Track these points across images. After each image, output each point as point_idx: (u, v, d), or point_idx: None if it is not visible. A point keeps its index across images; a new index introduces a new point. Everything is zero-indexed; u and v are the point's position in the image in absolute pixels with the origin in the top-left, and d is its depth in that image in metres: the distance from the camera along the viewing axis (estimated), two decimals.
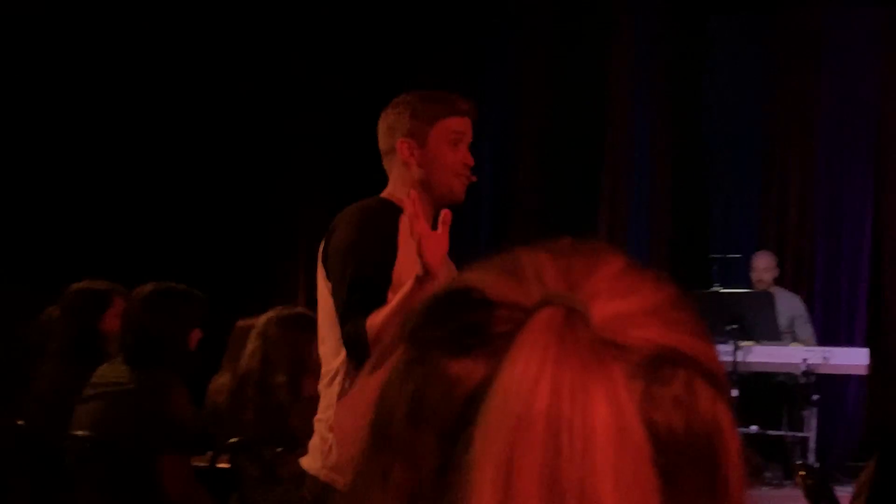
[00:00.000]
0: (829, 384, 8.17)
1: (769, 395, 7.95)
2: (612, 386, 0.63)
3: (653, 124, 9.30)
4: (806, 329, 8.24)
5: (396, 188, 3.28)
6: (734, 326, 7.63)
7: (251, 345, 4.41)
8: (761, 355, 7.78)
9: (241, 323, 5.02)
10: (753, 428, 7.61)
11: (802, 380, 7.65)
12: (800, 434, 7.71)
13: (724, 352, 7.61)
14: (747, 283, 8.45)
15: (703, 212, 9.63)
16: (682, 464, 0.66)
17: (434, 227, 3.18)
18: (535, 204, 9.13)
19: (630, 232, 9.09)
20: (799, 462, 6.79)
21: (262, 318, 4.49)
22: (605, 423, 0.61)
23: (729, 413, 0.70)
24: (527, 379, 0.62)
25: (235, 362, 4.56)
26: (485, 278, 0.71)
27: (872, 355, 7.82)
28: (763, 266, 8.44)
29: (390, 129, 3.29)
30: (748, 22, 9.58)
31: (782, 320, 8.05)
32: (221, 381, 4.75)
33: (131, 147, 8.20)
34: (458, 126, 3.26)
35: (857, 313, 8.97)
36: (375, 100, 9.07)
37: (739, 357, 7.59)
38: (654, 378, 0.66)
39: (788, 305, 8.24)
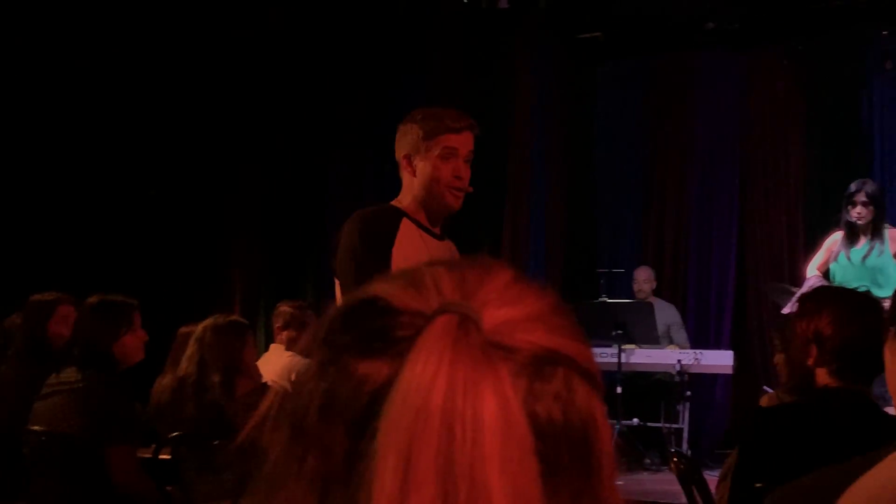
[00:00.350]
0: (700, 382, 8.23)
1: (649, 391, 7.99)
2: (500, 383, 0.63)
3: (549, 157, 9.31)
4: (681, 334, 8.32)
5: (403, 196, 3.30)
6: (619, 332, 7.69)
7: (190, 349, 4.39)
8: (642, 357, 7.84)
9: (182, 329, 4.97)
10: (635, 420, 7.69)
11: (677, 378, 7.72)
12: (675, 425, 7.77)
13: (610, 354, 7.68)
14: (630, 294, 8.53)
15: (592, 232, 9.71)
16: (560, 449, 0.67)
17: (437, 235, 3.27)
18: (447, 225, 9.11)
19: (529, 250, 9.10)
20: (673, 450, 6.85)
21: (201, 325, 4.46)
22: (493, 416, 0.62)
23: (602, 406, 0.71)
24: (425, 378, 0.62)
25: (176, 364, 4.53)
26: (390, 289, 0.71)
27: (736, 357, 7.92)
28: (643, 279, 8.53)
29: (398, 143, 3.31)
30: (632, 67, 9.66)
31: (660, 326, 8.12)
32: (164, 381, 4.70)
33: (89, 167, 7.98)
34: (453, 142, 3.22)
35: (723, 320, 9.03)
36: (300, 127, 8.97)
37: (623, 359, 7.65)
38: (538, 376, 0.67)
39: (665, 313, 8.32)
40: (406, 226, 3.20)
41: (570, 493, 0.67)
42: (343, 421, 0.67)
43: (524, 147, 9.15)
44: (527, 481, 0.62)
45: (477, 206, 9.16)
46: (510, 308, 0.70)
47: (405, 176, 3.31)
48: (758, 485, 2.80)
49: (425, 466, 0.61)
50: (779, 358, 4.04)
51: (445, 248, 3.31)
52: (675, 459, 3.82)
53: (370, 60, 8.89)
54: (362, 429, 0.65)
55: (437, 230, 3.32)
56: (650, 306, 8.05)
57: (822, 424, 2.86)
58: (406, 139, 3.28)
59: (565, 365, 0.69)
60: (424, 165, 3.23)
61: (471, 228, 9.34)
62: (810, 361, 2.92)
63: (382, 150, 9.37)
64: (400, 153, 3.30)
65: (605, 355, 7.72)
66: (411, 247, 3.14)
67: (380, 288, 0.71)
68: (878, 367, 2.84)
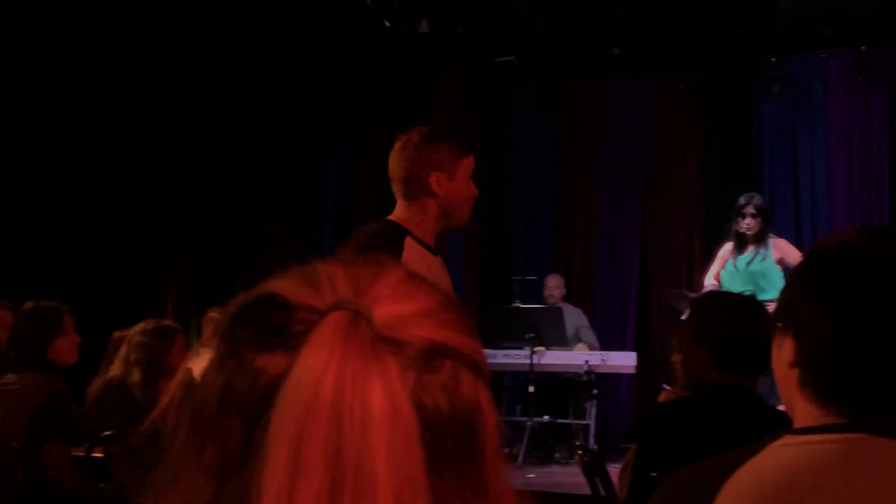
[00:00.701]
0: (606, 381, 8.28)
1: (558, 390, 8.02)
2: (387, 376, 0.63)
3: None
4: (589, 336, 8.38)
5: (412, 213, 3.09)
6: (531, 335, 7.72)
7: (121, 351, 4.35)
8: (552, 358, 7.87)
9: (116, 334, 4.90)
10: (546, 417, 7.71)
11: (585, 378, 7.76)
12: (583, 422, 7.79)
13: (524, 355, 7.73)
14: (541, 299, 8.57)
15: (506, 243, 9.76)
16: (446, 436, 0.67)
17: (433, 251, 3.14)
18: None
19: (448, 260, 9.12)
20: (578, 444, 6.89)
21: (133, 329, 4.41)
22: (381, 406, 0.62)
23: (488, 395, 0.71)
24: (316, 371, 0.62)
25: (109, 366, 4.47)
26: (287, 286, 0.70)
27: (639, 358, 8.00)
28: (553, 286, 8.58)
29: (424, 161, 3.06)
30: (544, 90, 9.72)
31: (569, 330, 8.15)
32: (98, 382, 4.62)
33: (35, 179, 7.81)
34: (473, 163, 3.15)
35: (627, 324, 9.10)
36: (234, 148, 8.87)
37: (535, 360, 7.67)
38: (426, 368, 0.67)
39: (574, 317, 8.37)
40: (409, 243, 3.08)
41: (455, 476, 0.67)
42: (240, 412, 0.66)
43: None
44: (412, 467, 0.62)
45: None
46: (401, 304, 0.69)
47: (418, 194, 3.10)
48: (653, 474, 2.84)
49: (314, 454, 0.60)
50: (676, 357, 4.07)
51: (440, 263, 3.22)
52: (580, 453, 3.85)
53: (300, 83, 8.85)
54: (257, 419, 0.64)
55: (432, 246, 3.20)
56: (560, 311, 8.10)
57: (710, 417, 2.87)
58: (433, 158, 3.08)
59: (453, 357, 0.69)
60: (455, 185, 3.09)
61: None
62: (701, 359, 2.98)
63: (311, 170, 9.39)
64: (425, 171, 3.06)
65: (518, 357, 7.77)
66: (415, 264, 2.95)
67: (278, 285, 0.71)
68: (762, 364, 2.92)
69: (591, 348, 8.12)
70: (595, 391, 7.74)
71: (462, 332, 0.71)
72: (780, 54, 8.57)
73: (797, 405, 1.32)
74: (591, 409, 7.74)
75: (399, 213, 3.13)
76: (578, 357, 7.83)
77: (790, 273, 1.38)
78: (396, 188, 3.12)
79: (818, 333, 1.27)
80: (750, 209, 6.88)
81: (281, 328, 0.67)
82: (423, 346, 0.68)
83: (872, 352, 1.23)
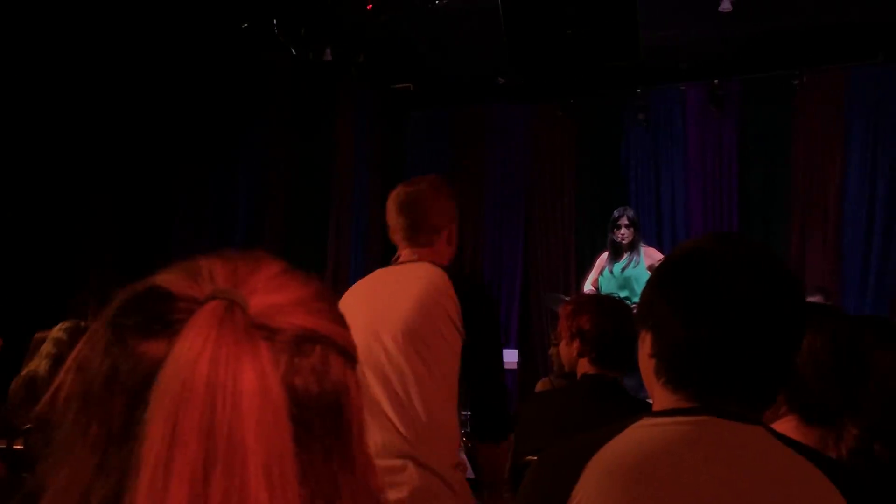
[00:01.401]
0: None
1: None
2: (259, 358, 0.64)
3: (368, 193, 9.24)
4: None
5: (436, 259, 2.72)
6: None
7: (45, 348, 4.21)
8: None
9: (38, 335, 4.73)
10: None
11: None
12: (468, 413, 7.71)
13: None
14: None
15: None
16: (315, 414, 0.67)
17: None
18: (280, 244, 9.02)
19: (349, 274, 9.04)
20: (464, 432, 6.84)
21: (55, 328, 4.27)
22: (252, 386, 0.62)
23: (355, 378, 0.72)
24: (192, 353, 0.62)
25: (29, 363, 4.32)
26: (169, 277, 0.70)
27: (521, 354, 8.01)
28: None
29: (446, 213, 2.76)
30: (437, 115, 9.70)
31: None
32: (18, 379, 4.46)
33: None
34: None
35: (511, 325, 9.09)
36: (149, 165, 8.62)
37: None
38: (297, 352, 0.67)
39: None
40: None
41: (323, 450, 0.67)
42: (124, 392, 0.66)
43: (345, 182, 9.07)
44: (280, 440, 0.63)
45: (306, 232, 9.19)
46: (276, 294, 0.69)
47: (436, 242, 2.79)
48: (528, 458, 2.87)
49: (189, 429, 0.60)
50: (553, 350, 4.11)
51: None
52: (464, 439, 3.85)
53: (212, 107, 8.69)
54: (139, 399, 0.64)
55: None
56: None
57: (579, 404, 2.93)
58: (454, 211, 2.84)
59: (323, 343, 0.69)
60: (456, 236, 2.88)
61: (300, 254, 9.26)
62: (575, 352, 3.03)
63: (222, 187, 9.21)
64: (445, 222, 2.80)
65: None
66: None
67: (161, 277, 0.70)
68: (630, 358, 2.96)
69: None
70: None
71: (333, 320, 0.72)
72: (645, 86, 8.70)
73: (655, 392, 1.36)
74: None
75: (438, 258, 2.74)
76: None
77: (649, 277, 1.41)
78: (406, 236, 2.73)
79: (670, 328, 1.31)
80: (624, 220, 6.98)
81: (162, 316, 0.67)
82: (295, 333, 0.68)
83: (715, 343, 1.27)
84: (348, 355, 0.72)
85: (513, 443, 3.28)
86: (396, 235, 2.79)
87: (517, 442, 3.19)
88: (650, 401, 1.43)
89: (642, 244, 7.07)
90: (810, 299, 5.12)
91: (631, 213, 7.10)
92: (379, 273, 2.76)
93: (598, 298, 3.19)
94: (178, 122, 8.63)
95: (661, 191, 8.85)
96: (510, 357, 7.86)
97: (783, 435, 1.31)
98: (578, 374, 3.08)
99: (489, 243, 9.40)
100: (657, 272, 1.38)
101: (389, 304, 2.58)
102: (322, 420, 0.67)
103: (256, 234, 9.12)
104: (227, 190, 8.96)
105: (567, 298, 7.24)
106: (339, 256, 9.01)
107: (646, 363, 1.37)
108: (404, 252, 2.76)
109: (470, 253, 9.34)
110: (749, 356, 1.28)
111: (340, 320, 0.73)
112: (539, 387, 4.33)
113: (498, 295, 9.17)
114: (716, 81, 8.41)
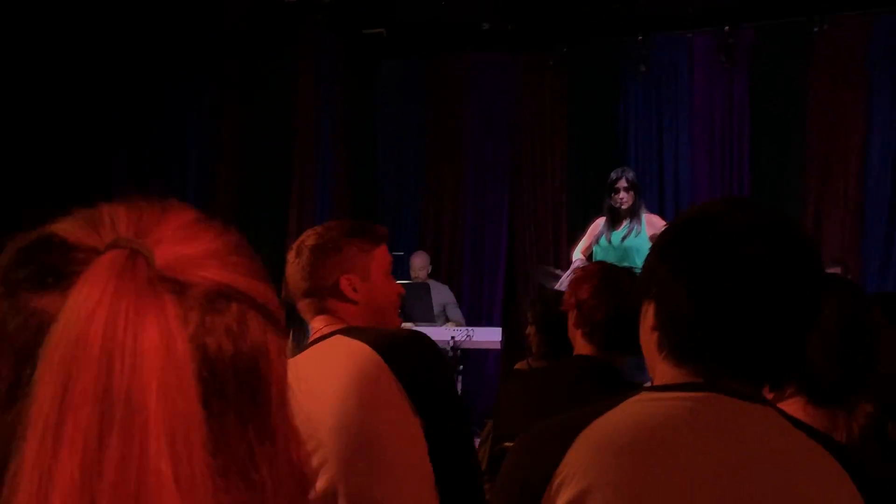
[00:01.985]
0: (473, 356, 8.22)
1: None
2: (163, 315, 0.64)
3: (333, 148, 9.18)
4: (455, 312, 8.29)
5: (352, 321, 2.46)
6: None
7: None
8: None
9: None
10: None
11: (451, 353, 7.66)
12: None
13: None
14: (408, 276, 8.45)
15: (373, 219, 9.57)
16: (229, 379, 0.67)
17: None
18: (234, 207, 8.92)
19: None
20: None
21: None
22: (154, 344, 0.63)
23: (278, 340, 0.72)
24: (86, 308, 0.62)
25: None
26: (67, 226, 0.70)
27: (506, 333, 7.96)
28: (419, 266, 8.42)
29: (331, 265, 2.48)
30: (412, 64, 9.59)
31: (436, 306, 8.05)
32: None
33: None
34: (388, 255, 2.57)
35: (495, 300, 9.11)
36: (83, 120, 8.44)
37: None
38: (210, 309, 0.68)
39: (440, 294, 8.26)
40: None
41: (236, 418, 0.68)
42: (13, 351, 0.66)
43: (308, 139, 8.98)
44: (186, 404, 0.63)
45: (263, 195, 9.05)
46: (185, 245, 0.70)
47: (332, 303, 2.52)
48: (507, 444, 2.76)
49: (82, 390, 0.61)
50: (530, 330, 4.09)
51: None
52: None
53: (153, 53, 8.49)
54: (27, 359, 0.64)
55: None
56: (427, 287, 7.99)
57: (566, 386, 2.84)
58: (342, 259, 2.52)
59: (239, 300, 0.70)
60: (370, 286, 2.53)
61: (256, 220, 9.17)
62: (571, 325, 2.96)
63: (167, 144, 9.05)
64: (334, 277, 2.52)
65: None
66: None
67: (58, 226, 0.71)
68: (630, 337, 2.84)
69: (457, 326, 8.03)
70: (461, 367, 7.65)
71: (251, 275, 0.72)
72: (647, 34, 8.62)
73: (656, 367, 1.39)
74: (458, 385, 7.63)
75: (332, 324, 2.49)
76: (445, 333, 7.71)
77: (653, 243, 1.43)
78: (305, 305, 2.51)
79: (674, 297, 1.34)
80: (623, 183, 6.84)
81: (56, 268, 0.67)
82: (207, 288, 0.68)
83: (721, 313, 1.30)
84: (269, 315, 0.72)
85: (489, 430, 3.18)
86: (299, 300, 2.53)
87: (495, 427, 3.20)
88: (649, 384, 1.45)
89: (644, 211, 6.93)
90: (829, 271, 5.06)
91: (631, 174, 6.96)
92: (298, 368, 2.38)
93: (607, 268, 3.07)
94: (115, 67, 8.42)
95: (664, 152, 8.81)
96: (492, 336, 7.77)
97: (793, 417, 1.34)
98: (571, 355, 3.03)
99: (469, 211, 9.35)
100: (661, 237, 1.41)
101: (313, 416, 2.20)
102: (237, 385, 0.68)
103: (207, 197, 9.00)
104: (173, 147, 8.85)
105: (559, 272, 7.15)
106: (301, 222, 8.91)
107: (647, 337, 1.40)
108: (314, 325, 2.49)
109: (448, 221, 9.29)
110: (758, 329, 1.30)
111: (261, 276, 0.74)
112: (519, 367, 4.24)
113: (480, 269, 9.15)
114: (726, 29, 8.31)
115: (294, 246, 2.52)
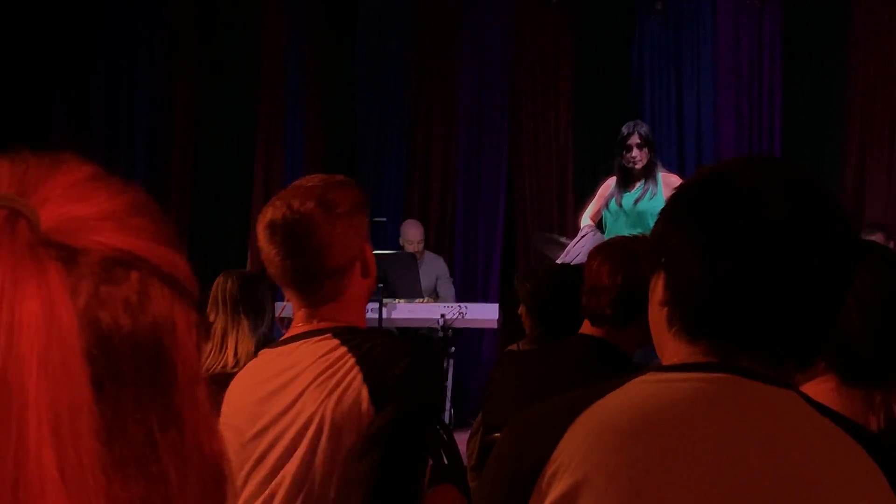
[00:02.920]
0: (466, 337, 8.23)
1: None
2: (46, 283, 0.63)
3: (305, 99, 9.16)
4: (446, 289, 8.29)
5: (349, 311, 2.30)
6: (380, 286, 7.56)
7: None
8: (404, 312, 7.71)
9: None
10: None
11: (440, 334, 7.67)
12: None
13: (371, 308, 7.53)
14: (394, 245, 8.44)
15: (350, 174, 9.51)
16: (126, 357, 0.67)
17: None
18: (189, 173, 8.92)
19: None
20: None
21: None
22: (35, 317, 0.62)
23: (187, 313, 0.72)
24: None
25: None
26: None
27: (504, 310, 7.95)
28: (414, 237, 8.34)
29: (351, 240, 2.26)
30: (395, 3, 9.53)
31: (428, 280, 8.03)
32: None
33: None
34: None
35: (491, 273, 9.11)
36: (22, 57, 8.38)
37: (385, 314, 7.47)
38: (105, 279, 0.67)
39: (433, 266, 8.24)
40: None
41: (134, 401, 0.67)
42: None
43: (275, 81, 8.96)
44: (72, 388, 0.63)
45: (223, 148, 9.04)
46: (77, 205, 0.69)
47: (345, 286, 2.30)
48: (496, 435, 2.78)
49: None
50: (521, 309, 4.09)
51: None
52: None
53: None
54: None
55: None
56: (413, 257, 7.94)
57: (565, 369, 2.88)
58: (358, 228, 2.32)
59: (140, 269, 0.69)
60: (372, 260, 2.40)
61: (216, 178, 9.17)
62: (583, 303, 2.98)
63: (109, 83, 9.01)
64: (353, 252, 2.31)
65: (366, 310, 7.56)
66: None
67: None
68: (627, 311, 2.87)
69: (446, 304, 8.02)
70: (452, 349, 7.65)
71: (156, 240, 0.72)
72: None
73: (666, 345, 1.39)
74: (448, 370, 7.66)
75: (339, 314, 2.29)
76: (434, 310, 7.71)
77: (662, 207, 1.43)
78: (321, 284, 2.27)
79: (688, 265, 1.34)
80: (635, 139, 6.77)
81: None
82: (102, 255, 0.67)
83: (739, 284, 1.30)
84: (176, 284, 0.71)
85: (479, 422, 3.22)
86: (282, 282, 2.31)
87: (485, 415, 3.29)
88: None
89: (661, 169, 6.90)
90: (868, 238, 5.09)
91: (644, 128, 6.91)
92: (264, 369, 2.30)
93: (622, 242, 3.10)
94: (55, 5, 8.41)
95: (684, 101, 8.84)
96: (488, 314, 7.78)
97: (819, 403, 1.33)
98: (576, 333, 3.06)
99: (462, 172, 9.33)
100: (672, 200, 1.41)
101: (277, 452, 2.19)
102: (135, 364, 0.67)
103: (158, 150, 8.98)
104: (119, 89, 8.84)
105: (563, 240, 7.16)
106: (268, 180, 8.93)
107: (656, 313, 1.40)
108: (297, 314, 2.32)
109: (437, 182, 9.27)
110: (781, 302, 1.30)
111: (167, 241, 0.72)
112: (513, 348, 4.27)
113: (475, 238, 9.14)
114: None
115: (270, 222, 2.25)
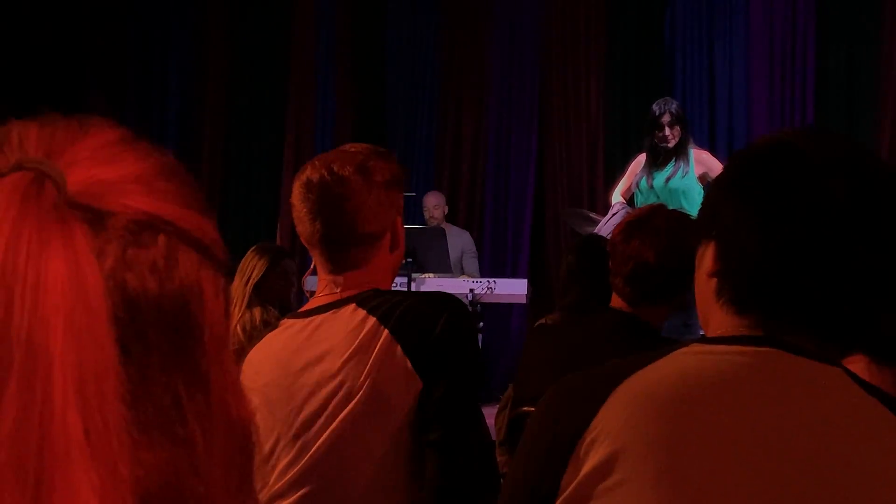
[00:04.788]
0: (495, 312, 8.25)
1: None
2: (72, 246, 0.63)
3: (336, 74, 9.17)
4: (471, 265, 8.28)
5: (374, 282, 2.27)
6: (409, 260, 7.54)
7: None
8: (433, 286, 7.67)
9: None
10: None
11: (469, 309, 7.65)
12: None
13: (400, 283, 7.52)
14: (421, 220, 8.46)
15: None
16: (152, 321, 0.67)
17: None
18: (221, 142, 8.93)
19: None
20: None
21: None
22: (60, 280, 0.62)
23: (214, 279, 0.72)
24: None
25: None
26: None
27: (534, 285, 7.94)
28: (433, 205, 8.43)
29: (385, 209, 2.26)
30: None
31: (454, 254, 8.02)
32: None
33: None
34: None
35: (521, 248, 9.13)
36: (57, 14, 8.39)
37: (413, 288, 7.52)
38: (133, 242, 0.67)
39: (458, 241, 8.23)
40: None
41: (161, 365, 0.68)
42: None
43: (307, 57, 8.97)
44: (98, 349, 0.63)
45: (254, 121, 9.05)
46: (105, 168, 0.69)
47: (375, 254, 2.30)
48: (526, 409, 2.84)
49: None
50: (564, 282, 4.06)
51: None
52: None
53: None
54: None
55: None
56: (442, 232, 7.93)
57: (597, 343, 2.83)
58: (393, 199, 2.32)
59: (168, 233, 0.69)
60: (402, 231, 2.40)
61: (247, 150, 9.19)
62: (610, 275, 2.96)
63: (142, 56, 9.05)
64: (387, 221, 2.31)
65: (394, 285, 7.56)
66: None
67: None
68: (671, 289, 2.83)
69: (473, 278, 8.02)
70: (481, 324, 7.64)
71: (184, 204, 0.72)
72: None
73: (712, 316, 1.38)
74: (477, 344, 7.63)
75: (368, 278, 2.27)
76: (462, 285, 7.67)
77: (716, 177, 1.42)
78: (354, 250, 2.27)
79: (740, 237, 1.33)
80: (666, 118, 6.66)
81: None
82: (130, 218, 0.68)
83: (797, 257, 1.29)
84: (204, 250, 0.72)
85: (510, 395, 3.20)
86: (310, 242, 2.29)
87: (516, 389, 3.24)
88: None
89: (692, 146, 6.81)
90: None
91: (675, 106, 6.80)
92: (288, 340, 2.26)
93: (657, 212, 3.01)
94: None
95: (716, 74, 8.80)
96: (517, 289, 7.75)
97: (866, 381, 1.32)
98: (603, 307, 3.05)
99: (492, 147, 9.32)
100: (727, 169, 1.40)
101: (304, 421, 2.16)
102: (161, 328, 0.68)
103: (190, 126, 9.01)
104: (153, 63, 8.87)
105: (594, 216, 7.11)
106: (298, 154, 8.96)
107: (703, 284, 1.39)
108: (322, 280, 2.30)
109: (467, 158, 9.28)
110: (834, 280, 1.29)
111: (196, 205, 0.73)
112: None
113: (504, 214, 9.13)
114: None
115: (304, 183, 2.23)
